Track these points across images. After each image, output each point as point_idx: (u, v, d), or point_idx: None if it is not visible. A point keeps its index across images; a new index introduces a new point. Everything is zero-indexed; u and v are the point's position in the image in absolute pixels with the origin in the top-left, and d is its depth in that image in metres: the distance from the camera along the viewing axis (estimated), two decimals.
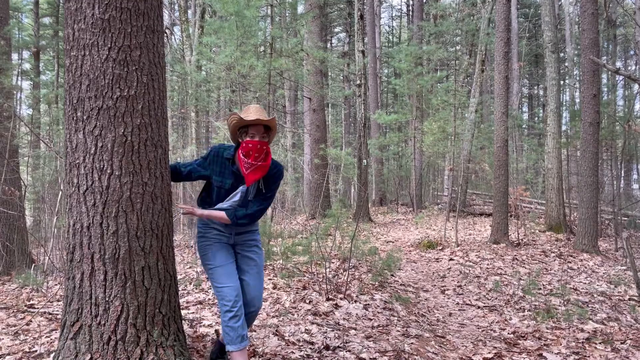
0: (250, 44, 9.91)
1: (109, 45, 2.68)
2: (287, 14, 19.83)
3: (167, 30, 16.88)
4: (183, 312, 4.86)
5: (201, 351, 3.70)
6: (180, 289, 5.91)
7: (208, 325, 4.45)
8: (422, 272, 8.54)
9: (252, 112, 3.03)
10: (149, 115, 2.77)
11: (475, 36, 18.23)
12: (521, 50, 25.19)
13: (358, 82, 15.54)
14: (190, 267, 7.09)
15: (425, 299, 6.71)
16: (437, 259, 9.59)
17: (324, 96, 16.58)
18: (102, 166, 2.66)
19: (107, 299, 2.66)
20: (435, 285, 7.59)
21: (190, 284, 6.07)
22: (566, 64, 24.31)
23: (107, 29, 2.68)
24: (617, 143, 15.40)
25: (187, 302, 5.27)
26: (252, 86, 12.38)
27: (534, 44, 31.29)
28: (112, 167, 2.66)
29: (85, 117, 2.68)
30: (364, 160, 15.21)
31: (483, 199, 20.90)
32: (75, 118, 2.71)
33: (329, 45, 34.75)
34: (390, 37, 41.67)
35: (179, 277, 6.58)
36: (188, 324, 4.40)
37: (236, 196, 3.05)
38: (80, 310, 2.70)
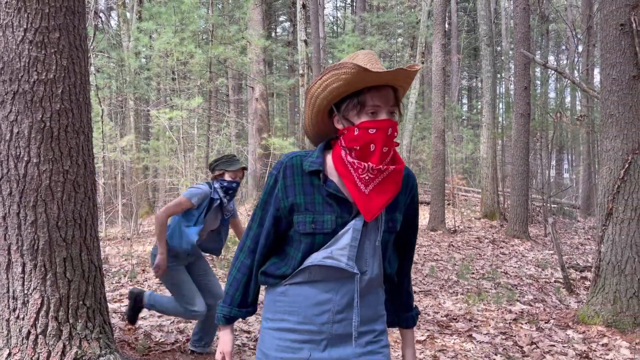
0: (189, 30, 9.69)
1: (25, 27, 2.54)
2: (229, 1, 19.50)
3: (102, 15, 16.21)
4: (116, 304, 4.74)
5: (133, 343, 3.63)
6: (114, 281, 5.75)
7: (141, 317, 4.36)
8: None
9: (369, 61, 1.53)
10: (69, 100, 2.66)
11: (416, 28, 18.60)
12: (460, 43, 25.92)
13: (301, 71, 15.52)
14: (125, 260, 6.90)
15: None
16: None
17: (267, 85, 16.47)
18: (18, 153, 2.53)
19: (25, 291, 2.55)
20: None
21: (125, 276, 5.92)
22: (502, 57, 25.22)
23: (23, 9, 2.54)
24: (549, 134, 16.16)
25: (121, 295, 5.14)
26: (192, 74, 12.12)
27: (473, 37, 32.27)
28: (29, 155, 2.54)
29: None
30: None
31: (424, 188, 21.45)
32: None
33: (273, 34, 34.45)
34: (335, 27, 41.79)
35: (114, 269, 6.40)
36: (121, 317, 4.29)
37: (343, 239, 1.53)
38: None
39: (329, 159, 1.61)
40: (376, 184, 1.52)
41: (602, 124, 5.12)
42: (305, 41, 15.33)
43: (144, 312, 4.56)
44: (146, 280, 5.84)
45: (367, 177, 1.50)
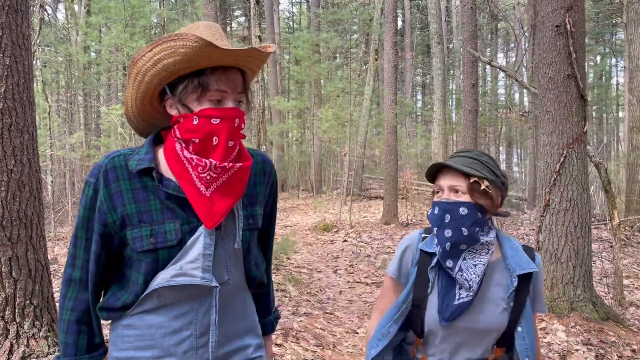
0: (139, 25, 9.54)
1: None
2: None
3: (48, 8, 15.66)
4: None
5: None
6: None
7: None
8: (317, 254, 8.83)
9: (213, 35, 1.26)
10: (12, 99, 2.64)
11: (370, 25, 18.86)
12: (414, 40, 26.43)
13: None
14: None
15: (319, 279, 6.97)
16: (332, 240, 9.94)
17: None
18: None
19: None
20: (328, 265, 7.89)
21: None
22: (454, 55, 25.86)
23: None
24: (500, 129, 16.75)
25: None
26: None
27: (426, 35, 32.92)
28: None
29: None
30: (263, 147, 15.26)
31: (379, 183, 21.83)
32: None
33: (229, 28, 34.12)
34: (291, 22, 41.78)
35: (64, 269, 6.29)
36: None
37: (194, 249, 1.26)
38: None
39: (161, 154, 1.31)
40: (219, 184, 1.26)
41: (539, 120, 5.40)
42: (259, 37, 15.30)
43: None
44: None
45: (208, 177, 1.24)
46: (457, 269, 1.50)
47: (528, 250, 1.61)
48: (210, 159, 1.23)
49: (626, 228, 10.11)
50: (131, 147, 1.32)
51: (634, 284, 6.70)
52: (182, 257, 1.24)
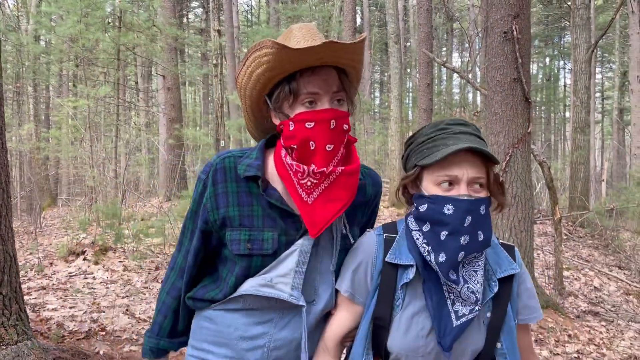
0: (95, 16, 9.37)
1: None
2: None
3: None
4: (25, 298, 4.67)
5: (45, 333, 3.65)
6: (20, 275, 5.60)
7: (52, 309, 4.35)
8: None
9: (304, 37, 1.23)
10: None
11: (329, 23, 19.05)
12: (372, 37, 26.78)
13: (214, 61, 15.43)
14: (30, 254, 6.69)
15: None
16: None
17: (179, 74, 16.21)
18: None
19: None
20: None
21: (31, 269, 5.77)
22: (411, 54, 26.39)
23: None
24: None
25: (29, 288, 5.05)
26: (99, 61, 11.71)
27: (384, 33, 33.34)
28: None
29: None
30: (222, 142, 15.23)
31: None
32: None
33: (185, 20, 33.58)
34: (250, 16, 41.48)
35: (19, 263, 6.20)
36: (31, 309, 4.26)
37: (287, 262, 1.23)
38: None
39: (271, 160, 1.29)
40: (321, 190, 1.19)
41: (488, 120, 5.72)
42: (218, 31, 15.23)
43: (54, 303, 4.54)
44: (54, 274, 5.74)
45: (309, 183, 1.18)
46: (461, 281, 1.19)
47: (507, 247, 1.35)
48: (312, 165, 1.19)
49: (569, 223, 10.68)
50: (243, 149, 1.33)
51: (573, 276, 7.16)
52: (273, 268, 1.23)
